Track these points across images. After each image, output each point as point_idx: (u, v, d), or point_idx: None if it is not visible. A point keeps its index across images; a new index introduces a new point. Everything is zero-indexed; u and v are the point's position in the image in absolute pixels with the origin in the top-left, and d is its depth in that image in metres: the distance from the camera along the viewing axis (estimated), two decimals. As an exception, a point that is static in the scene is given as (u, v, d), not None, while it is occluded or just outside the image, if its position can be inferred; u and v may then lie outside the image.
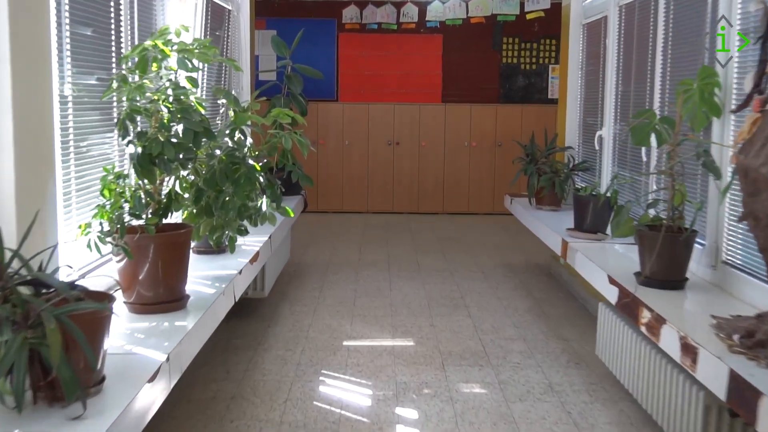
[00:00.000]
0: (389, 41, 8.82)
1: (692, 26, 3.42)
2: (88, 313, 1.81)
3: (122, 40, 3.22)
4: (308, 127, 4.02)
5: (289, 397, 3.31)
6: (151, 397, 2.02)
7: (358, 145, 8.82)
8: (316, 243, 7.02)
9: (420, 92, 8.92)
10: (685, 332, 2.37)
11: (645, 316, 2.68)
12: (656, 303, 2.68)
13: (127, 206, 2.52)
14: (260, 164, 2.79)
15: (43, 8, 2.34)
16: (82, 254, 2.65)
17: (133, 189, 2.56)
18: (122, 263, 2.52)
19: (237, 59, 5.49)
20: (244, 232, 2.92)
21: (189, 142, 2.48)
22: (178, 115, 2.49)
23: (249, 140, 2.86)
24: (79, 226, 2.50)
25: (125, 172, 2.61)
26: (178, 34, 2.58)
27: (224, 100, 2.87)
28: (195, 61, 2.56)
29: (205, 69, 4.56)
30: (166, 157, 2.43)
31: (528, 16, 7.44)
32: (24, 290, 1.82)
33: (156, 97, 2.49)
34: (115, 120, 2.89)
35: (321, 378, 3.56)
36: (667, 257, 2.85)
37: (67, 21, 2.70)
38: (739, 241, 2.89)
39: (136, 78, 2.50)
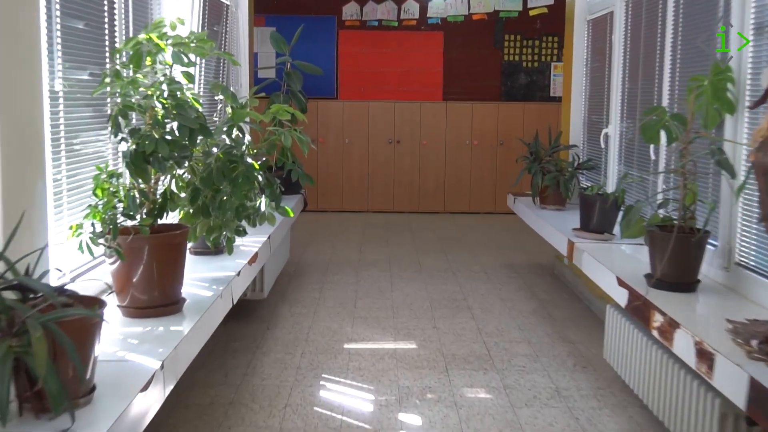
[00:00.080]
0: (390, 38, 8.72)
1: (703, 20, 3.32)
2: (76, 319, 1.72)
3: (116, 33, 3.12)
4: (308, 125, 3.92)
5: (289, 403, 3.22)
6: (145, 407, 1.92)
7: (358, 144, 8.73)
8: (315, 242, 6.92)
9: (421, 90, 8.82)
10: (700, 337, 2.28)
11: (657, 319, 2.59)
12: (668, 306, 2.59)
13: (120, 206, 2.42)
14: (259, 162, 2.69)
15: (33, -1, 2.25)
16: (74, 256, 2.55)
17: (127, 188, 2.46)
18: (115, 265, 2.43)
19: (235, 56, 5.39)
20: (242, 233, 2.83)
21: (184, 140, 2.39)
22: (173, 112, 2.39)
23: (247, 138, 2.76)
24: (71, 227, 2.40)
25: (119, 170, 2.51)
26: (173, 27, 2.48)
27: (221, 96, 2.77)
28: (191, 56, 2.47)
29: (203, 65, 4.46)
30: (160, 155, 2.34)
31: (531, 12, 7.37)
32: (9, 295, 1.72)
33: (150, 93, 2.40)
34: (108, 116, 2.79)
35: (321, 382, 3.47)
36: (678, 259, 2.76)
37: (59, 13, 2.60)
38: (753, 242, 2.80)
39: (130, 72, 2.40)
